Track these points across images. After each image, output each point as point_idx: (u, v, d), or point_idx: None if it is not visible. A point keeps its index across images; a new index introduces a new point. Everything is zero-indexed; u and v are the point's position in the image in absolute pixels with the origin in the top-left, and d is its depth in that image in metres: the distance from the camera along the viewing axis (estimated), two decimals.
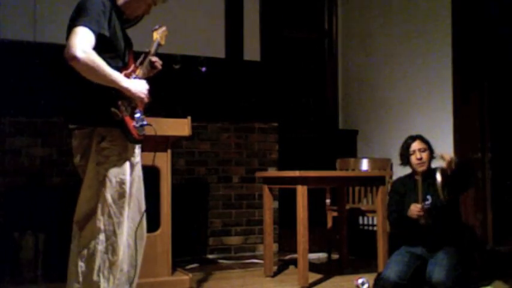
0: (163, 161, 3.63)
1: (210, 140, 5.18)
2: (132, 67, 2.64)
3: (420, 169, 3.55)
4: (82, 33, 2.36)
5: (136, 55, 2.75)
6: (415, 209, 3.45)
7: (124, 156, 2.56)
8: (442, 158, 3.31)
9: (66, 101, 2.62)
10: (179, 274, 3.78)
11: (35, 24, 4.65)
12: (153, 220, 3.64)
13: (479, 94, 4.34)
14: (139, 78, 2.62)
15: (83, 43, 2.33)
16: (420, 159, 3.53)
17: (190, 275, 3.72)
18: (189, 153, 5.08)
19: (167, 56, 5.02)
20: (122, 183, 2.54)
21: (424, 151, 3.54)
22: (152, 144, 3.47)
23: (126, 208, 2.57)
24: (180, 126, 3.63)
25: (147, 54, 2.77)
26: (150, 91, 2.62)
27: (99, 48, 2.41)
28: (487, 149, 4.30)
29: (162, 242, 3.62)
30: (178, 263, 4.19)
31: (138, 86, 2.55)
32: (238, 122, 5.29)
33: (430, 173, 3.51)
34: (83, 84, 2.46)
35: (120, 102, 2.47)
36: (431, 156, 3.57)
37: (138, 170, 2.72)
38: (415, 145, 3.56)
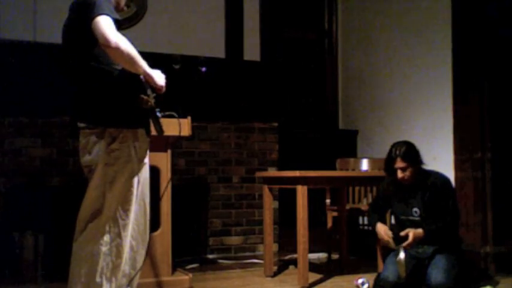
0: (163, 161, 3.63)
1: (210, 140, 5.18)
2: None
3: (405, 184, 3.47)
4: (110, 22, 2.39)
5: None
6: (383, 236, 3.43)
7: (133, 158, 2.54)
8: (406, 236, 3.28)
9: (75, 100, 2.59)
10: (179, 274, 3.78)
11: (35, 24, 4.65)
12: (153, 220, 3.65)
13: (479, 94, 4.34)
14: None
15: (116, 32, 2.37)
16: (402, 177, 3.42)
17: (190, 275, 3.72)
18: (189, 153, 5.08)
19: (167, 56, 5.05)
20: (130, 185, 2.52)
21: (405, 169, 3.40)
22: (152, 144, 3.47)
23: (133, 210, 2.54)
24: (180, 126, 3.62)
25: None
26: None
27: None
28: (487, 149, 4.30)
29: (162, 242, 3.62)
30: (178, 263, 4.19)
31: (159, 74, 2.60)
32: (238, 122, 5.28)
33: (420, 179, 3.45)
34: (96, 83, 2.47)
35: (148, 89, 2.50)
36: (418, 167, 3.45)
37: (146, 171, 2.67)
38: (396, 164, 3.41)
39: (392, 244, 3.40)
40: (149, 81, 2.53)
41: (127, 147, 2.51)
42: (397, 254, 3.28)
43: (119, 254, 2.51)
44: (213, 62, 5.31)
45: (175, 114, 2.77)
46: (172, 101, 4.87)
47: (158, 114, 2.57)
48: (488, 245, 4.25)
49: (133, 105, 2.50)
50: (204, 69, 5.24)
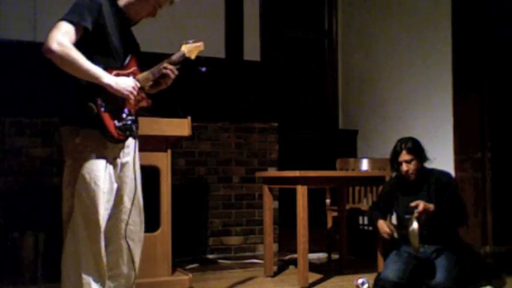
0: (163, 161, 3.63)
1: (210, 140, 5.18)
2: (132, 69, 2.60)
3: (409, 179, 3.50)
4: (60, 26, 2.36)
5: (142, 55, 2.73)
6: (385, 228, 3.51)
7: (99, 153, 2.49)
8: (415, 207, 3.28)
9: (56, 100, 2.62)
10: (179, 274, 3.78)
11: (35, 24, 4.65)
12: (153, 220, 3.65)
13: (479, 94, 4.34)
14: (138, 80, 2.56)
15: (59, 36, 2.33)
16: (407, 171, 3.46)
17: (190, 275, 3.72)
18: (189, 153, 5.08)
19: (167, 56, 5.04)
20: (95, 179, 2.47)
21: (410, 162, 3.44)
22: (152, 144, 3.48)
23: (101, 205, 2.48)
24: (180, 126, 3.63)
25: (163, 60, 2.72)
26: (139, 89, 2.56)
27: (88, 44, 2.41)
28: (487, 149, 4.30)
29: (162, 242, 3.62)
30: (178, 263, 4.19)
31: (122, 83, 2.46)
32: (238, 122, 5.28)
33: (423, 176, 3.49)
34: (62, 81, 2.47)
35: (98, 98, 2.41)
36: (423, 163, 3.49)
37: (129, 170, 2.63)
38: (401, 157, 3.46)
39: (396, 233, 3.47)
40: (108, 90, 2.43)
41: (91, 142, 2.47)
42: (410, 224, 3.25)
43: (96, 249, 2.49)
44: (213, 62, 5.28)
45: (137, 126, 2.67)
46: (172, 101, 4.89)
47: (117, 123, 2.49)
48: (488, 245, 4.25)
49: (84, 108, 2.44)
50: (204, 69, 5.22)
